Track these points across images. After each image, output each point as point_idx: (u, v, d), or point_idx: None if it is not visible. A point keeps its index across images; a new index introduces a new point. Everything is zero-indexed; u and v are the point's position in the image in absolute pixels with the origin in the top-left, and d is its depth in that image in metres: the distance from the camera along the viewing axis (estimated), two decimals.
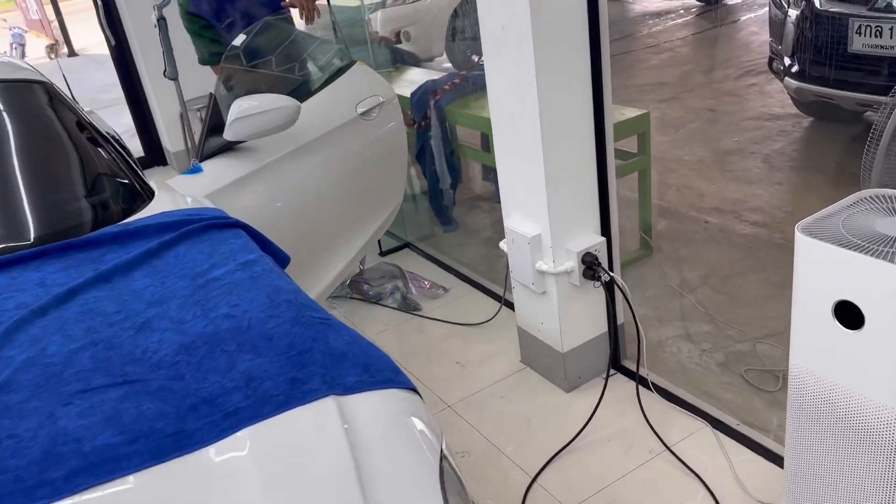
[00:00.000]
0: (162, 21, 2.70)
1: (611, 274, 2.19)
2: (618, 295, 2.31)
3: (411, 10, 6.55)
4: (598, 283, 2.21)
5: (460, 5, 5.89)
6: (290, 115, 2.27)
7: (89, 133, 2.12)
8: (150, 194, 2.01)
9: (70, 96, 2.29)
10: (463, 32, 5.37)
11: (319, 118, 2.62)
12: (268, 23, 2.75)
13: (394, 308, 3.03)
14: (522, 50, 1.98)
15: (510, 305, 2.68)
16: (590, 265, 2.18)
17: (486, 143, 3.46)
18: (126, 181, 2.02)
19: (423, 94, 3.48)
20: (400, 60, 4.50)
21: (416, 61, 4.43)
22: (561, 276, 2.22)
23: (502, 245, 2.39)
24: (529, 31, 1.93)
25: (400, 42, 6.54)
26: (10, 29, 19.62)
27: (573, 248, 2.18)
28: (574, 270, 2.19)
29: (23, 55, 19.68)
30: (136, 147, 5.49)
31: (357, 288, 3.15)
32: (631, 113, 2.91)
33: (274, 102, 2.26)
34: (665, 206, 3.61)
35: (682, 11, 7.90)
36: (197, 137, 2.27)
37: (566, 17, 1.97)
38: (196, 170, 2.21)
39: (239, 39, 2.58)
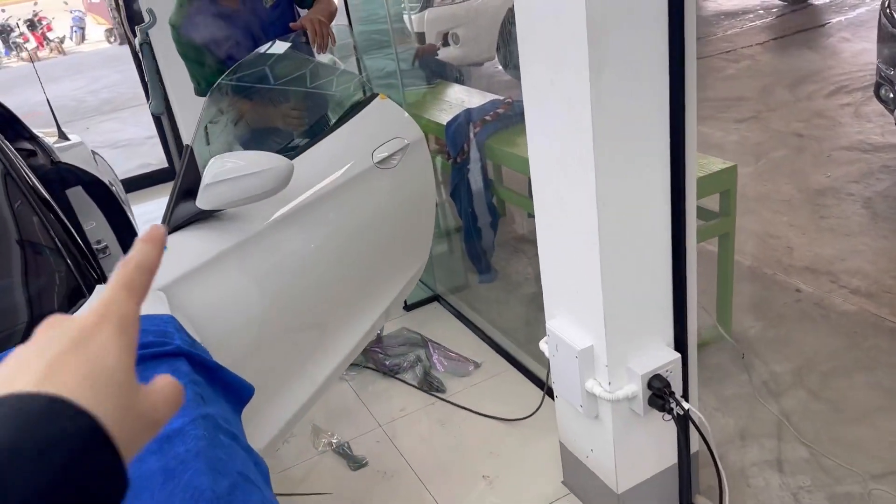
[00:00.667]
0: (146, 45, 2.25)
1: (686, 406, 1.66)
2: (694, 418, 1.78)
3: (461, 11, 6.02)
4: (669, 416, 1.68)
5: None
6: (281, 179, 1.80)
7: (27, 210, 1.68)
8: (93, 285, 1.57)
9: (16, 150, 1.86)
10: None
11: (326, 169, 2.14)
12: (267, 51, 2.27)
13: (413, 386, 2.55)
14: (576, 112, 1.46)
15: (554, 395, 2.17)
16: (658, 392, 1.65)
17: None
18: (61, 273, 1.57)
19: (461, 125, 2.97)
20: (440, 75, 3.98)
21: (458, 77, 3.91)
22: (619, 402, 1.70)
23: (543, 346, 1.88)
24: (587, 93, 1.40)
25: (447, 44, 6.04)
26: (71, 12, 19.79)
27: (637, 369, 1.66)
28: (637, 396, 1.67)
29: (83, 38, 19.84)
30: (159, 156, 5.13)
31: (373, 356, 2.68)
32: (714, 165, 2.35)
33: (260, 163, 1.78)
34: (745, 262, 3.03)
35: (761, 12, 7.15)
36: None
37: (639, 75, 1.44)
38: None
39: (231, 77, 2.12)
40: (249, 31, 2.43)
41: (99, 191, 2.51)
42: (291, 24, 2.29)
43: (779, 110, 4.73)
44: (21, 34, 18.52)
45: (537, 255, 1.83)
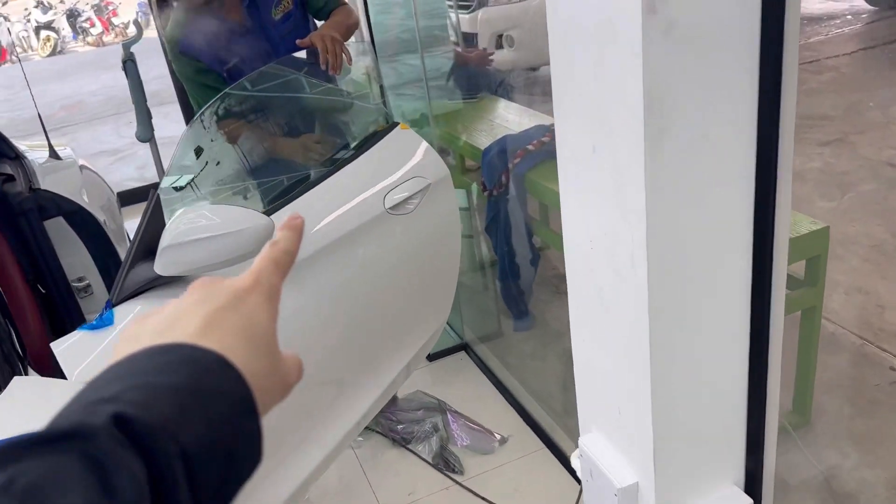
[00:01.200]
0: (130, 63, 1.94)
1: None
2: None
3: (517, 11, 5.61)
4: None
5: None
6: (258, 241, 1.46)
7: None
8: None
9: None
10: None
11: (333, 213, 1.80)
12: (273, 69, 1.93)
13: (427, 461, 2.20)
14: (626, 191, 1.07)
15: None
16: None
17: None
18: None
19: (499, 155, 2.59)
20: (485, 88, 3.59)
21: (506, 92, 3.51)
22: None
23: (575, 462, 1.50)
24: (641, 169, 1.01)
25: (500, 47, 5.65)
26: (139, 2, 20.02)
27: None
28: None
29: (147, 25, 20.07)
30: None
31: (384, 422, 2.33)
32: (802, 225, 1.92)
33: (234, 220, 1.45)
34: (826, 323, 2.58)
35: (849, 17, 6.52)
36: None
37: (715, 148, 1.04)
38: (103, 322, 1.43)
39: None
40: (258, 47, 2.09)
41: (83, 221, 2.23)
42: (298, 42, 1.94)
43: (869, 133, 4.19)
44: (88, 18, 18.80)
45: None
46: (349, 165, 1.90)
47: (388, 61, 3.76)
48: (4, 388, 1.28)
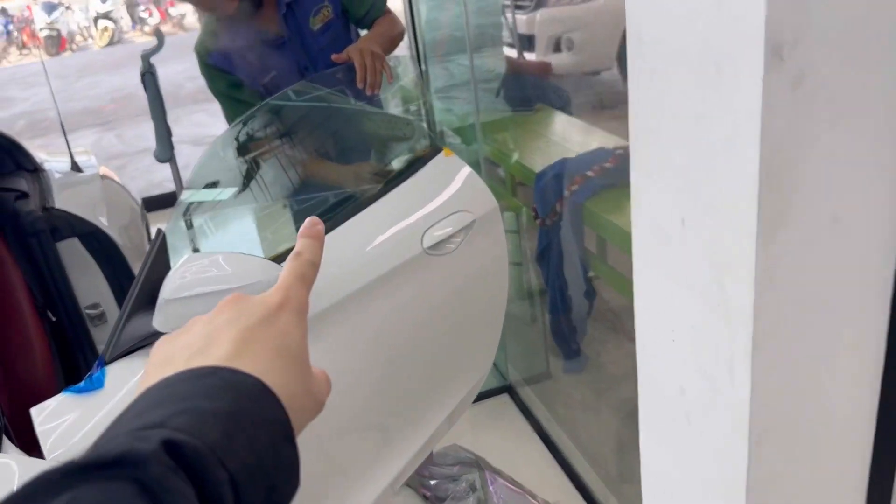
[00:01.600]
0: (149, 76, 1.75)
1: None
2: None
3: (579, 12, 5.32)
4: None
5: None
6: None
7: None
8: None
9: None
10: None
11: (367, 251, 1.59)
12: (305, 86, 1.71)
13: None
14: (726, 283, 0.82)
15: None
16: None
17: None
18: None
19: (554, 180, 2.34)
20: (543, 98, 3.33)
21: (564, 103, 3.24)
22: None
23: None
24: (751, 267, 0.76)
25: (559, 50, 5.37)
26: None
27: None
28: None
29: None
30: None
31: (417, 477, 2.11)
32: None
33: (246, 272, 1.24)
34: None
35: None
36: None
37: (863, 250, 0.78)
38: (92, 384, 1.24)
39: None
40: (295, 60, 1.89)
41: (99, 242, 2.05)
42: (334, 57, 1.73)
43: None
44: (146, 8, 19.00)
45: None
46: (384, 198, 1.68)
47: (438, 61, 3.52)
48: None
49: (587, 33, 5.36)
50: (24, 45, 15.20)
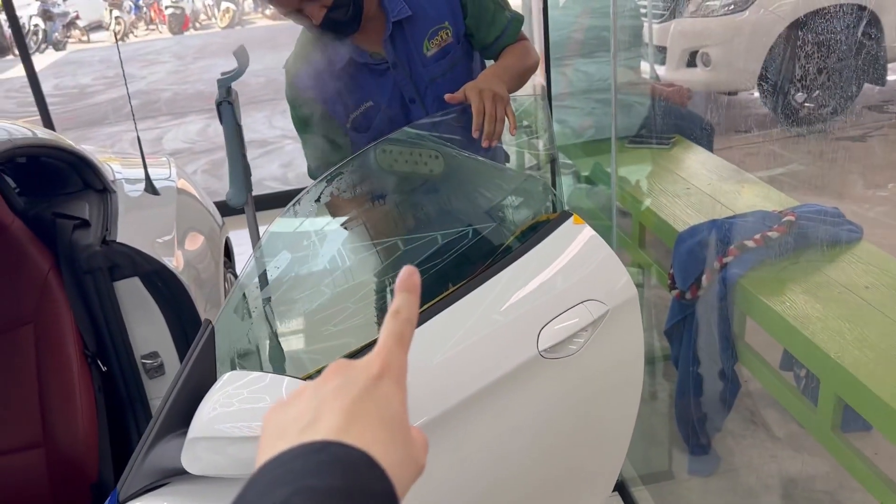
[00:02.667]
0: (226, 105, 1.45)
1: None
2: None
3: (717, 26, 4.75)
4: None
5: (803, 20, 3.84)
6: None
7: None
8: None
9: None
10: (796, 63, 3.60)
11: (460, 359, 1.23)
12: (405, 134, 1.37)
13: None
14: None
15: None
16: None
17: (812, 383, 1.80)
18: None
19: (701, 247, 1.91)
20: (680, 128, 2.87)
21: (705, 135, 2.77)
22: None
23: None
24: None
25: (693, 65, 4.84)
26: None
27: None
28: None
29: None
30: (301, 169, 4.47)
31: None
32: None
33: None
34: None
35: None
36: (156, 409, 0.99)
37: None
38: None
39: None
40: (399, 91, 1.54)
41: (164, 283, 1.79)
42: (448, 97, 1.36)
43: None
44: None
45: (791, 441, 0.81)
46: (494, 278, 1.31)
47: (555, 65, 3.10)
48: None
49: (726, 49, 4.80)
50: (151, 21, 15.69)
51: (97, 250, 1.71)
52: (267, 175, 5.47)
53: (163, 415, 1.01)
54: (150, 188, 2.06)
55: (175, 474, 0.98)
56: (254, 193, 1.67)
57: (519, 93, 1.53)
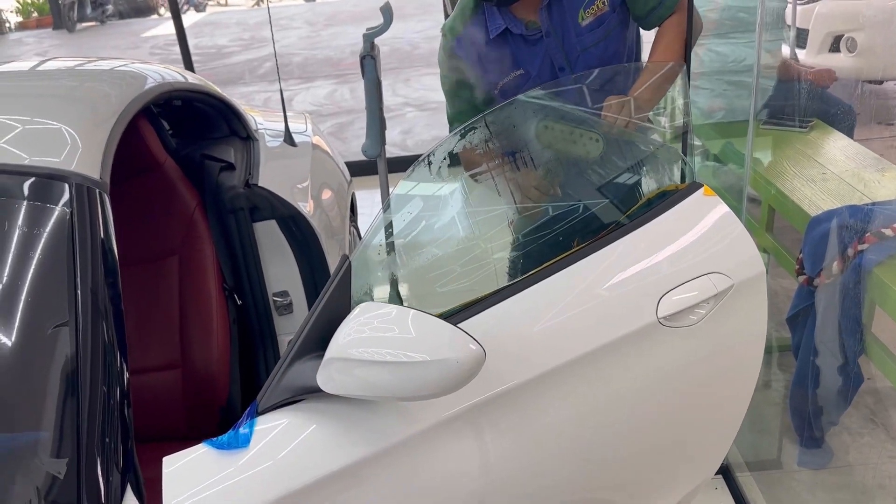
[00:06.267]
0: (369, 60, 1.52)
1: None
2: None
3: (867, 9, 4.46)
4: None
5: None
6: (457, 380, 0.96)
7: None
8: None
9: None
10: None
11: (579, 317, 1.26)
12: (537, 95, 1.39)
13: None
14: None
15: None
16: None
17: None
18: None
19: (835, 232, 1.83)
20: (820, 112, 2.73)
21: (846, 122, 2.62)
22: None
23: None
24: None
25: (836, 50, 4.57)
26: None
27: None
28: None
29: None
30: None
31: None
32: None
33: (431, 343, 0.96)
34: None
35: None
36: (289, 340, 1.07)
37: None
38: (238, 440, 1.03)
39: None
40: (549, 60, 1.57)
41: (298, 228, 1.90)
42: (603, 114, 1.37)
43: None
44: None
45: None
46: (620, 240, 1.33)
47: None
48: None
49: (876, 34, 4.49)
50: None
51: (240, 192, 1.83)
52: (387, 141, 5.61)
53: (301, 339, 1.09)
54: (289, 139, 2.18)
55: (309, 392, 1.06)
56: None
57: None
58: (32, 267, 1.07)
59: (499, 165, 1.38)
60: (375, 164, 1.81)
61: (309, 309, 1.94)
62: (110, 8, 13.32)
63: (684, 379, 1.37)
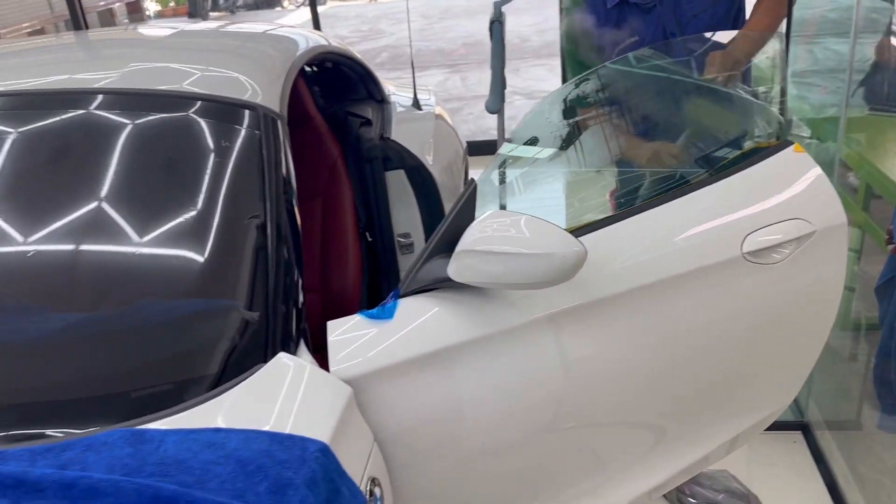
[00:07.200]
0: (497, 24, 1.76)
1: None
2: None
3: None
4: None
5: None
6: (563, 271, 1.18)
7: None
8: (276, 347, 1.20)
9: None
10: None
11: (670, 242, 1.45)
12: (648, 53, 1.59)
13: None
14: None
15: None
16: None
17: None
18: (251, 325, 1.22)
19: None
20: None
21: None
22: None
23: None
24: None
25: None
26: None
27: None
28: None
29: None
30: None
31: (676, 492, 1.96)
32: None
33: (543, 242, 1.19)
34: None
35: None
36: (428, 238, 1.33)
37: None
38: (384, 313, 1.30)
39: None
40: (661, 27, 1.77)
41: (422, 178, 2.17)
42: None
43: None
44: None
45: None
46: (712, 185, 1.51)
47: (803, 42, 3.10)
48: (271, 351, 1.21)
49: None
50: None
51: (376, 144, 2.12)
52: (490, 125, 5.87)
53: (434, 242, 1.35)
54: (416, 104, 2.46)
55: (440, 282, 1.31)
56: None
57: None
58: (233, 171, 1.38)
59: (607, 114, 1.59)
60: (492, 147, 2.05)
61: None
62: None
63: (762, 313, 1.53)
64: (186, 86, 1.50)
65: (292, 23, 12.46)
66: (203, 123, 1.42)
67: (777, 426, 2.18)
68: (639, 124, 1.62)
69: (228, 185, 1.37)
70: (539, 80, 6.97)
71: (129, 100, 1.44)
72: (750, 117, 1.65)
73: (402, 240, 2.20)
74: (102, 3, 11.13)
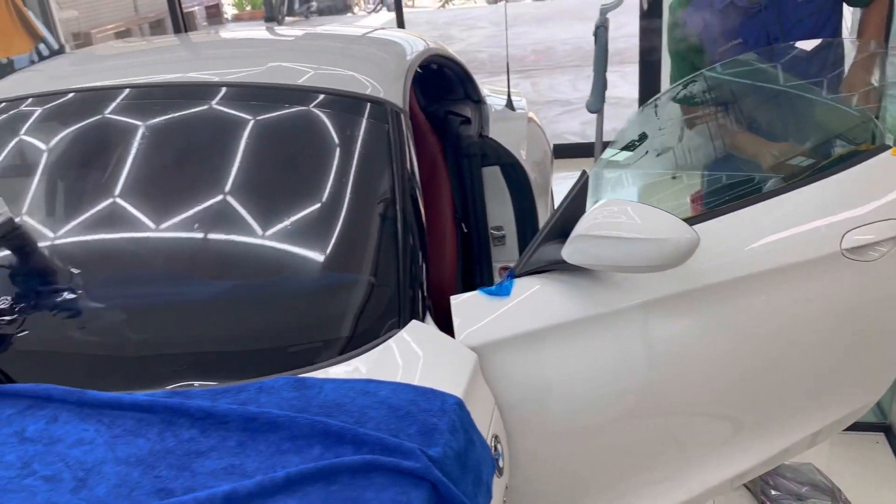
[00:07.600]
0: (601, 30, 1.86)
1: None
2: None
3: None
4: None
5: None
6: (675, 257, 1.28)
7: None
8: (409, 316, 1.33)
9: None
10: None
11: (769, 236, 1.53)
12: (751, 58, 1.67)
13: None
14: None
15: None
16: None
17: None
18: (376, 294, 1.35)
19: None
20: None
21: None
22: None
23: None
24: None
25: None
26: None
27: None
28: None
29: None
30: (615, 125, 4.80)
31: (759, 481, 2.02)
32: None
33: (656, 228, 1.28)
34: None
35: None
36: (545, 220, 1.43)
37: None
38: (502, 290, 1.41)
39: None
40: (766, 30, 1.84)
41: (516, 174, 2.29)
42: None
43: None
44: None
45: None
46: (812, 185, 1.59)
47: (891, 54, 3.09)
48: (403, 320, 1.34)
49: None
50: None
51: (474, 141, 2.24)
52: (567, 130, 5.95)
53: (548, 228, 1.46)
54: (510, 105, 2.58)
55: (553, 264, 1.42)
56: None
57: None
58: (367, 159, 1.52)
59: (713, 114, 1.67)
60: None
61: (518, 242, 2.33)
62: (314, 4, 14.64)
63: (856, 309, 1.60)
64: (327, 84, 1.66)
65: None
66: (342, 116, 1.57)
67: (859, 427, 2.22)
68: (753, 124, 1.70)
69: (362, 173, 1.51)
70: (611, 86, 6.98)
71: (279, 93, 1.60)
72: (852, 123, 1.71)
73: (495, 232, 2.31)
74: (185, 6, 11.61)
